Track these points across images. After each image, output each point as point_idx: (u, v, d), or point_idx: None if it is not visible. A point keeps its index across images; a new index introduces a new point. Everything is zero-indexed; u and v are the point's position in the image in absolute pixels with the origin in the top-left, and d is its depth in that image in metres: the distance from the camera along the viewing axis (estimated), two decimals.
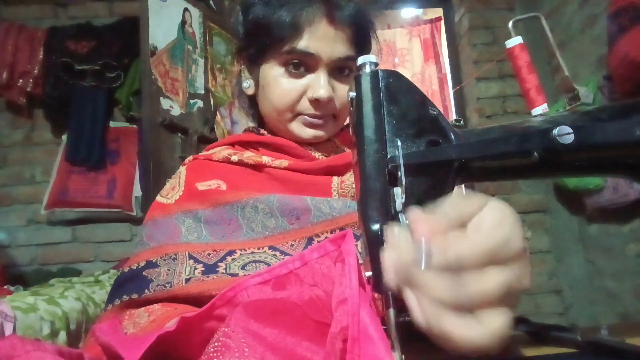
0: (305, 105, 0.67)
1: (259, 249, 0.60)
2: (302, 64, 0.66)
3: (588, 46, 2.05)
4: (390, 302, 0.37)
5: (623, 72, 1.61)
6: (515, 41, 0.47)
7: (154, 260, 0.61)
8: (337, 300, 0.33)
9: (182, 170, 0.72)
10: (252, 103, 0.77)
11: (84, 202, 2.39)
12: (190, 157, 0.75)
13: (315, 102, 0.66)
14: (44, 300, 1.34)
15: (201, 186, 0.67)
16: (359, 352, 0.30)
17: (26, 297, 1.33)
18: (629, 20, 1.55)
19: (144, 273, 0.60)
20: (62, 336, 1.31)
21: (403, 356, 0.36)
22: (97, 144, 2.42)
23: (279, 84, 0.67)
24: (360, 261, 0.39)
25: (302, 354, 0.35)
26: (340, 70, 0.68)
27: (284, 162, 0.68)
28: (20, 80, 2.41)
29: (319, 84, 0.66)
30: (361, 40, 0.69)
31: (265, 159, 0.68)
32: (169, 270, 0.59)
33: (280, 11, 0.65)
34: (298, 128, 0.69)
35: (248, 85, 0.74)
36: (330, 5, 0.65)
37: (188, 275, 0.58)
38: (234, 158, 0.69)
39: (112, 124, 2.51)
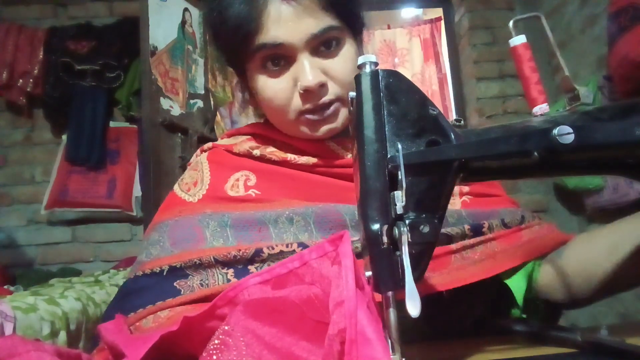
0: (300, 101, 0.59)
1: (287, 246, 0.55)
2: (279, 57, 0.58)
3: (588, 46, 2.05)
4: (391, 302, 0.37)
5: (623, 72, 1.61)
6: (519, 40, 0.47)
7: (178, 266, 0.57)
8: (334, 302, 0.33)
9: (204, 161, 0.66)
10: (258, 109, 0.70)
11: (84, 202, 2.39)
12: (210, 144, 0.68)
13: (306, 93, 0.58)
14: (44, 300, 1.34)
15: (231, 189, 0.61)
16: (356, 354, 0.30)
17: (26, 297, 1.33)
18: (629, 20, 1.55)
19: (174, 284, 0.56)
20: (62, 336, 1.31)
21: (403, 358, 0.36)
22: (97, 144, 2.42)
23: (266, 89, 0.60)
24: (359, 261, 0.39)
25: (299, 353, 0.35)
26: (326, 45, 0.58)
27: (312, 159, 0.62)
28: (20, 80, 2.41)
29: (303, 71, 0.57)
30: (337, 3, 0.58)
31: (290, 156, 0.62)
32: (201, 284, 0.56)
33: (234, 8, 0.57)
34: (307, 129, 0.61)
35: (247, 97, 0.69)
36: None
37: (222, 283, 0.55)
38: (256, 152, 0.63)
39: (112, 124, 2.51)
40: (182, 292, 0.55)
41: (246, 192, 0.60)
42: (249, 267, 0.56)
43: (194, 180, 0.64)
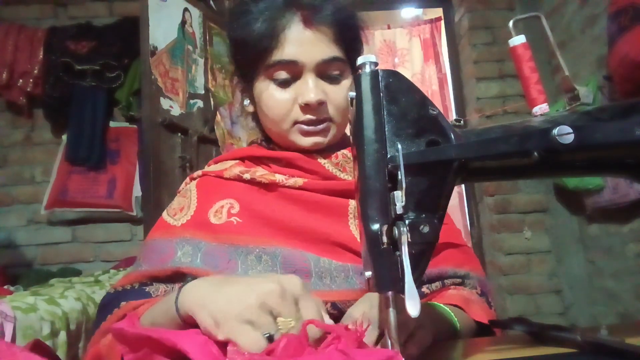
0: (298, 113, 0.66)
1: None
2: (288, 73, 0.65)
3: (588, 46, 2.05)
4: (391, 302, 0.37)
5: (623, 72, 1.61)
6: (518, 40, 0.47)
7: (148, 283, 0.63)
8: None
9: (192, 188, 0.71)
10: (255, 120, 0.75)
11: (84, 202, 2.39)
12: (200, 172, 0.73)
13: (305, 107, 0.65)
14: (44, 300, 1.34)
15: (214, 215, 0.66)
16: None
17: (26, 297, 1.33)
18: (629, 20, 1.55)
19: (144, 288, 0.63)
20: (62, 336, 1.31)
21: (403, 358, 0.36)
22: (97, 144, 2.42)
23: (270, 97, 0.66)
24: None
25: None
26: (330, 73, 0.66)
27: (299, 180, 0.67)
28: (20, 80, 2.41)
29: (307, 88, 0.64)
30: (347, 40, 0.68)
31: (279, 178, 0.67)
32: (167, 287, 0.62)
33: (257, 25, 0.65)
34: (297, 138, 0.67)
35: (248, 103, 0.74)
36: (304, 9, 0.64)
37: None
38: (246, 176, 0.68)
39: (112, 124, 2.51)
40: (147, 290, 0.62)
41: (228, 219, 0.65)
42: None
43: (181, 206, 0.69)
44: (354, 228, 0.66)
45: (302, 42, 0.64)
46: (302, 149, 0.68)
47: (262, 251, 0.62)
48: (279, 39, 0.64)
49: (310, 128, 0.66)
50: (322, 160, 0.68)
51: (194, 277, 0.61)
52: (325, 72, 0.66)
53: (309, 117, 0.66)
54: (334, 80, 0.67)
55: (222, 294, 0.43)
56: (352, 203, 0.67)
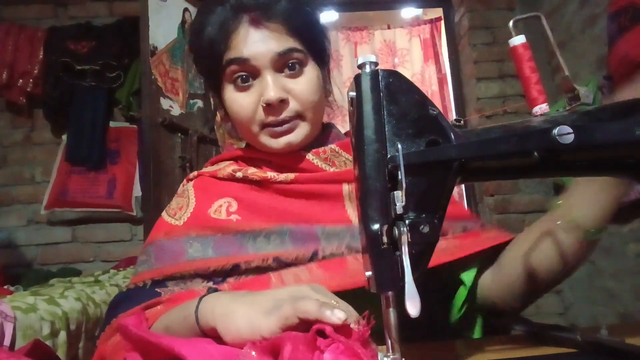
0: (263, 115, 0.65)
1: (263, 261, 0.61)
2: (244, 72, 0.64)
3: (588, 46, 2.05)
4: (391, 302, 0.37)
5: (623, 72, 1.61)
6: (518, 40, 0.47)
7: (160, 279, 0.62)
8: None
9: (189, 188, 0.71)
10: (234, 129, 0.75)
11: (84, 202, 2.39)
12: (195, 173, 0.74)
13: (268, 107, 0.64)
14: (44, 300, 1.34)
15: (214, 213, 0.66)
16: None
17: (26, 297, 1.33)
18: (629, 20, 1.55)
19: (156, 289, 0.62)
20: (62, 336, 1.31)
21: (403, 358, 0.36)
22: (97, 144, 2.42)
23: (234, 102, 0.66)
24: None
25: None
26: (290, 67, 0.64)
27: (290, 175, 0.66)
28: (20, 80, 2.41)
29: (266, 86, 0.63)
30: (303, 30, 0.66)
31: (270, 175, 0.66)
32: (180, 289, 0.62)
33: (209, 33, 0.65)
34: (268, 141, 0.66)
35: (223, 114, 0.73)
36: (251, 11, 0.64)
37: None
38: (239, 175, 0.68)
39: (112, 124, 2.51)
40: (161, 294, 0.61)
41: (228, 217, 0.65)
42: (228, 279, 0.61)
43: (180, 206, 0.69)
44: (352, 211, 0.65)
45: (252, 41, 0.63)
46: (276, 151, 0.67)
47: (269, 232, 0.63)
48: (229, 40, 0.63)
49: (278, 129, 0.65)
50: (310, 157, 0.68)
51: (203, 279, 0.62)
52: (283, 66, 0.64)
53: (272, 118, 0.64)
54: (294, 73, 0.64)
55: (246, 301, 0.45)
56: (346, 187, 0.67)
